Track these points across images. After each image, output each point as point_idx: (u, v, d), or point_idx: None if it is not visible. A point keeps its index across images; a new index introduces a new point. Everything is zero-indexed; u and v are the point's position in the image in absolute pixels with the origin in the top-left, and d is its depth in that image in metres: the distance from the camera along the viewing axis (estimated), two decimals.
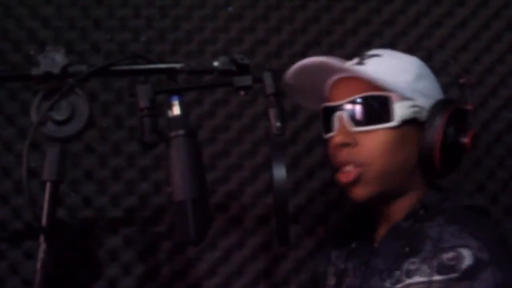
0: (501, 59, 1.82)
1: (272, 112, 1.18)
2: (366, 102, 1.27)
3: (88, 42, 1.79)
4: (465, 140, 1.26)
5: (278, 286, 1.73)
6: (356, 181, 1.27)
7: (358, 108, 1.27)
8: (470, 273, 1.12)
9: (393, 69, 1.28)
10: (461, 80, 1.32)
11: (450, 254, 1.15)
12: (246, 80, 1.20)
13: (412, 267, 1.20)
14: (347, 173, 1.28)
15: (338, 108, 1.29)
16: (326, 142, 1.36)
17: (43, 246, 1.14)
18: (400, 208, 1.31)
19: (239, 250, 1.73)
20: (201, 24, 1.81)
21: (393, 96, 1.25)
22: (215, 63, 1.21)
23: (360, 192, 1.28)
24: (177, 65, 1.21)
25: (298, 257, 1.73)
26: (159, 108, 1.18)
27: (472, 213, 1.29)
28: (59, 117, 1.16)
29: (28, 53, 1.75)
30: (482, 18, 1.82)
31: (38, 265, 1.14)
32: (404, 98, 1.26)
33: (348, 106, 1.28)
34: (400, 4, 1.83)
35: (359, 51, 1.76)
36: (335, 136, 1.28)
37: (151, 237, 1.72)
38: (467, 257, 1.13)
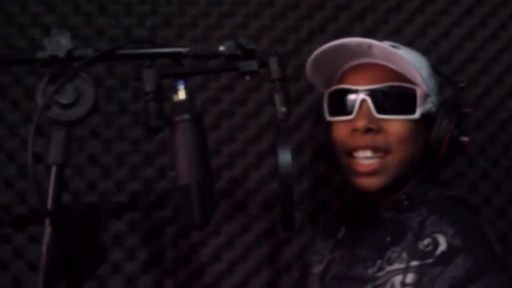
0: (507, 48, 1.81)
1: (278, 97, 1.17)
2: (395, 92, 1.29)
3: (93, 27, 1.78)
4: (466, 140, 1.32)
5: (282, 271, 1.74)
6: (375, 172, 1.29)
7: (385, 96, 1.29)
8: (444, 259, 1.18)
9: (415, 63, 1.29)
10: (461, 84, 1.41)
11: (426, 241, 1.22)
12: (252, 65, 1.19)
13: (393, 255, 1.26)
14: (368, 164, 1.29)
15: (362, 92, 1.29)
16: (326, 125, 1.38)
17: (48, 230, 1.15)
18: (389, 199, 1.35)
19: (243, 236, 1.74)
20: (207, 9, 1.81)
21: (418, 90, 1.29)
22: (221, 48, 1.20)
23: (374, 182, 1.30)
24: (183, 49, 1.21)
25: (302, 243, 1.73)
26: (165, 92, 1.18)
27: (452, 203, 1.34)
28: (64, 100, 1.16)
29: (33, 37, 1.75)
30: (489, 6, 1.82)
31: (44, 249, 1.14)
32: (424, 93, 1.30)
33: (375, 92, 1.29)
34: None
35: (364, 37, 1.78)
36: (358, 120, 1.29)
37: (155, 222, 1.72)
38: (442, 243, 1.19)
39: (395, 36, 1.80)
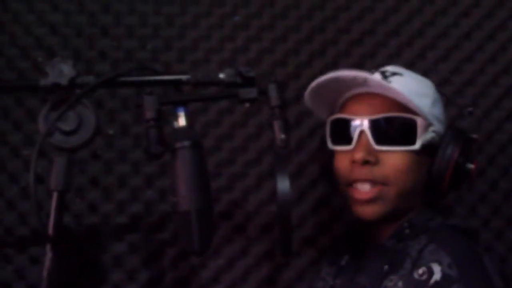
0: (507, 71, 1.82)
1: (277, 124, 1.18)
2: (394, 122, 1.28)
3: (95, 49, 1.79)
4: (472, 167, 1.29)
5: None
6: (373, 199, 1.27)
7: (384, 127, 1.27)
8: None
9: (416, 92, 1.28)
10: (469, 109, 1.36)
11: (421, 270, 1.19)
12: (251, 93, 1.21)
13: (390, 284, 1.24)
14: (365, 191, 1.27)
15: (361, 123, 1.28)
16: (330, 153, 1.37)
17: (49, 255, 1.15)
18: (391, 227, 1.33)
19: (242, 258, 1.74)
20: (208, 33, 1.82)
21: (418, 120, 1.26)
22: (221, 75, 1.21)
23: (372, 211, 1.28)
24: (183, 77, 1.22)
25: (301, 265, 1.74)
26: (165, 117, 1.19)
27: (453, 232, 1.31)
28: (66, 127, 1.17)
29: (36, 60, 1.77)
30: (487, 30, 1.83)
31: (45, 274, 1.15)
32: (426, 122, 1.27)
33: (374, 123, 1.27)
34: (405, 14, 1.84)
35: (363, 61, 1.80)
36: (356, 151, 1.27)
37: (156, 244, 1.73)
38: (436, 273, 1.16)
39: (394, 59, 1.81)
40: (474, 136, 1.33)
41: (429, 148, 1.28)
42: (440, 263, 1.17)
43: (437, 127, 1.30)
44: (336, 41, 1.83)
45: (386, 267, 1.27)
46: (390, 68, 1.35)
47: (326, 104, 1.40)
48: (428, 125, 1.28)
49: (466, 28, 1.83)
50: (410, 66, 1.80)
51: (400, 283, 1.22)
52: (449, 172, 1.27)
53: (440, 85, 1.77)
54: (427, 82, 1.37)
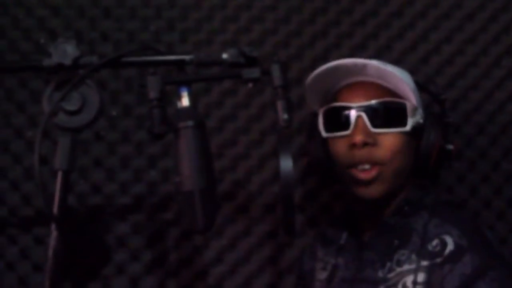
0: (509, 52, 1.82)
1: (280, 105, 1.18)
2: (388, 107, 1.37)
3: (98, 31, 1.79)
4: (452, 147, 1.41)
5: (284, 273, 1.76)
6: (374, 179, 1.35)
7: (379, 111, 1.36)
8: (452, 257, 1.27)
9: (403, 79, 1.37)
10: (442, 96, 1.50)
11: (434, 242, 1.32)
12: (255, 73, 1.21)
13: (402, 257, 1.34)
14: (367, 171, 1.35)
15: (357, 109, 1.36)
16: (322, 140, 1.44)
17: (54, 234, 1.17)
18: (389, 205, 1.43)
19: (245, 238, 1.76)
20: (210, 13, 1.82)
21: (408, 104, 1.37)
22: (224, 55, 1.22)
23: (375, 190, 1.37)
24: (187, 57, 1.23)
25: (303, 245, 1.74)
26: (168, 97, 1.19)
27: (451, 207, 1.48)
28: (70, 107, 1.18)
29: (39, 41, 1.77)
30: (490, 11, 1.83)
31: (50, 253, 1.16)
32: (413, 107, 1.38)
33: (370, 108, 1.36)
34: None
35: (366, 42, 1.81)
36: (355, 135, 1.35)
37: (159, 224, 1.75)
38: (449, 244, 1.29)
39: (396, 40, 1.82)
40: (450, 119, 1.45)
41: (416, 131, 1.39)
42: (451, 235, 1.30)
43: (420, 111, 1.40)
44: (338, 22, 1.82)
45: (396, 241, 1.37)
46: (375, 61, 1.41)
47: (318, 96, 1.48)
48: (415, 108, 1.39)
49: (469, 9, 1.83)
50: (413, 47, 1.82)
51: (413, 256, 1.33)
52: (435, 154, 1.39)
53: (442, 67, 1.80)
54: (407, 72, 1.47)
